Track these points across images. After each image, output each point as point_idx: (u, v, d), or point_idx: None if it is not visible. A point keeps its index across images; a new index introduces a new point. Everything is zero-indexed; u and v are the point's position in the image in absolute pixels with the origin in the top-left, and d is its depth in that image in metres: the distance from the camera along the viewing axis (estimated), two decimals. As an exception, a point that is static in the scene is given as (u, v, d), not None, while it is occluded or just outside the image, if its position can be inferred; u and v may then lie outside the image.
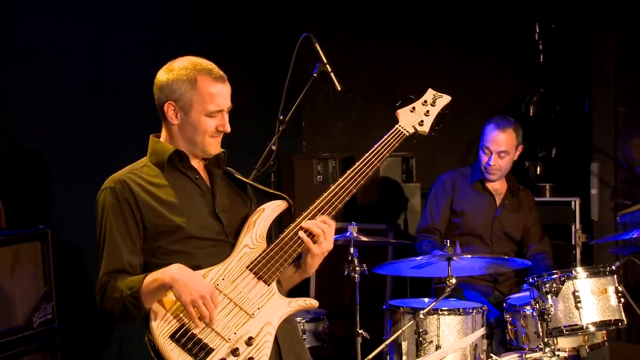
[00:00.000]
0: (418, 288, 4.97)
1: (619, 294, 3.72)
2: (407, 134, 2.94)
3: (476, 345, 3.83)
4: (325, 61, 3.85)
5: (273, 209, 2.75)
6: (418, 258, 3.95)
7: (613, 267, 3.76)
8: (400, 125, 2.94)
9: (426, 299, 4.18)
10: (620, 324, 3.72)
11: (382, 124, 5.99)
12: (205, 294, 2.49)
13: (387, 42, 5.84)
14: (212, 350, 2.51)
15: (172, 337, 2.51)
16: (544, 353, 3.59)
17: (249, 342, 2.55)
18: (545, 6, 5.48)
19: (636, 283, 4.93)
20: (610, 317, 3.69)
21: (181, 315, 2.54)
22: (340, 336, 4.73)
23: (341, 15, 5.89)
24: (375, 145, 2.89)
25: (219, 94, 2.66)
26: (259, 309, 2.60)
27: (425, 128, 2.97)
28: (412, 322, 3.79)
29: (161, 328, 2.52)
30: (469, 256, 3.92)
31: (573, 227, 5.14)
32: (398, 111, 2.98)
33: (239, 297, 2.59)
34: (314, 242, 2.70)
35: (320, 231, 2.70)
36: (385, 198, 5.60)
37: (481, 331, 3.78)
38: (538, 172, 5.52)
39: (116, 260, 2.60)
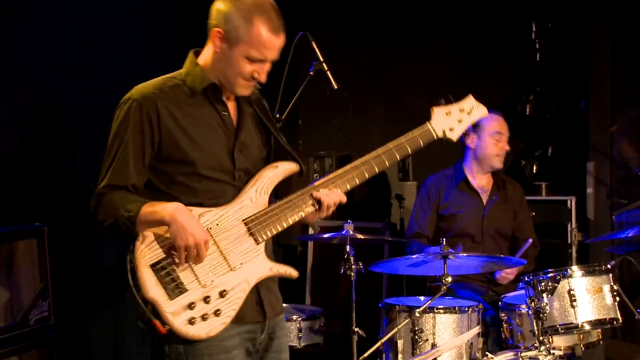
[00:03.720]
0: (414, 286, 4.98)
1: (615, 293, 3.72)
2: (435, 137, 2.90)
3: (472, 343, 3.84)
4: (321, 59, 3.85)
5: (285, 169, 2.75)
6: (414, 256, 3.95)
7: (609, 266, 3.76)
8: (431, 125, 2.90)
9: (422, 298, 4.19)
10: (615, 322, 3.72)
11: (379, 122, 6.07)
12: (200, 242, 2.51)
13: (384, 40, 5.84)
14: (185, 290, 2.55)
15: (152, 265, 2.54)
16: (539, 352, 3.59)
17: (222, 294, 2.57)
18: (541, 5, 5.48)
19: (632, 282, 4.94)
20: (605, 315, 3.69)
21: (168, 247, 2.56)
22: (336, 334, 4.74)
23: (338, 13, 5.89)
24: (401, 138, 2.86)
25: (269, 44, 2.58)
26: (241, 264, 2.62)
27: (454, 135, 2.93)
28: (407, 320, 3.80)
29: (145, 253, 2.54)
30: (465, 254, 3.92)
31: (569, 225, 5.15)
32: (434, 108, 2.93)
33: (226, 247, 2.61)
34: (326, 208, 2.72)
35: (332, 203, 2.72)
36: (381, 196, 5.61)
37: (477, 329, 3.79)
38: (534, 171, 5.53)
39: (122, 178, 2.58)
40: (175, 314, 2.52)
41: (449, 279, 3.73)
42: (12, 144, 4.19)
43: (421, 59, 5.77)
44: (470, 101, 2.96)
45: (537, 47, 5.47)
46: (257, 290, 2.68)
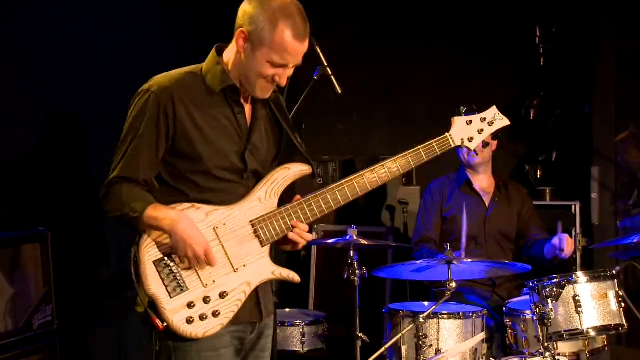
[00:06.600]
0: (417, 292, 4.97)
1: (620, 299, 3.70)
2: (453, 145, 2.83)
3: (476, 349, 3.83)
4: (325, 64, 3.85)
5: (297, 171, 2.73)
6: (418, 262, 3.95)
7: (614, 272, 3.75)
8: (450, 134, 2.83)
9: (426, 303, 4.18)
10: (620, 328, 3.70)
11: (383, 127, 6.05)
12: (199, 254, 2.54)
13: (388, 45, 5.84)
14: (186, 289, 2.57)
15: (156, 262, 2.56)
16: (544, 358, 3.58)
17: (222, 295, 2.59)
18: (545, 10, 5.47)
19: (637, 288, 4.92)
20: (610, 321, 3.67)
21: (172, 246, 2.57)
22: (340, 339, 4.72)
23: (342, 18, 5.89)
24: (419, 146, 2.79)
25: (292, 50, 2.56)
26: (244, 265, 2.63)
27: (472, 145, 2.86)
28: (411, 325, 3.79)
29: (149, 249, 2.57)
30: (469, 260, 3.91)
31: (573, 231, 5.13)
32: (455, 118, 2.86)
33: (230, 248, 2.62)
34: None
35: (303, 242, 2.72)
36: (385, 201, 5.60)
37: (481, 335, 3.77)
38: (538, 176, 5.52)
39: (133, 171, 2.59)
40: (174, 311, 2.54)
41: (453, 285, 3.72)
42: (15, 147, 4.18)
43: (425, 64, 5.76)
44: (492, 111, 2.91)
45: (541, 51, 5.46)
46: (256, 291, 2.69)
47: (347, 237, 4.02)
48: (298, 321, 4.44)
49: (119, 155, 2.61)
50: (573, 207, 5.17)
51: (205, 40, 5.12)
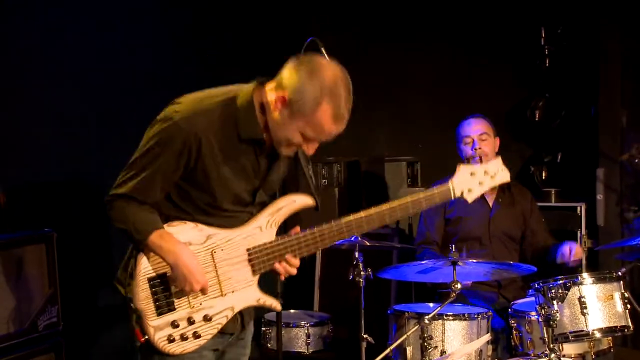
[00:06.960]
0: (422, 293, 4.96)
1: (625, 300, 3.69)
2: (452, 197, 2.84)
3: (481, 350, 3.82)
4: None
5: (301, 204, 2.74)
6: (423, 262, 3.95)
7: (619, 273, 3.74)
8: (452, 184, 2.84)
9: (431, 304, 4.18)
10: (626, 330, 3.69)
11: (387, 128, 6.03)
12: (196, 290, 2.58)
13: (392, 46, 5.83)
14: (173, 309, 2.60)
15: (150, 279, 2.59)
16: (549, 359, 3.58)
17: (206, 317, 2.63)
18: (551, 11, 5.47)
19: (642, 289, 4.91)
20: (616, 323, 3.66)
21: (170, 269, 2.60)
22: (345, 340, 4.72)
23: (346, 19, 5.89)
24: (420, 194, 2.81)
25: (327, 130, 2.56)
26: (232, 291, 2.66)
27: (470, 197, 2.86)
28: (417, 327, 3.78)
29: (147, 266, 2.59)
30: (474, 261, 3.91)
31: (579, 232, 5.12)
32: (461, 166, 2.87)
33: (223, 273, 2.65)
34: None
35: (286, 273, 2.75)
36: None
37: (487, 337, 3.77)
38: (543, 177, 5.51)
39: (144, 195, 2.57)
40: (158, 328, 2.59)
41: (458, 286, 3.72)
42: (22, 148, 4.19)
43: (430, 65, 5.76)
44: (496, 164, 2.91)
45: (547, 53, 5.45)
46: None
47: (352, 238, 4.02)
48: (303, 322, 4.45)
49: (131, 172, 2.58)
50: (578, 208, 5.16)
51: (205, 40, 5.16)
